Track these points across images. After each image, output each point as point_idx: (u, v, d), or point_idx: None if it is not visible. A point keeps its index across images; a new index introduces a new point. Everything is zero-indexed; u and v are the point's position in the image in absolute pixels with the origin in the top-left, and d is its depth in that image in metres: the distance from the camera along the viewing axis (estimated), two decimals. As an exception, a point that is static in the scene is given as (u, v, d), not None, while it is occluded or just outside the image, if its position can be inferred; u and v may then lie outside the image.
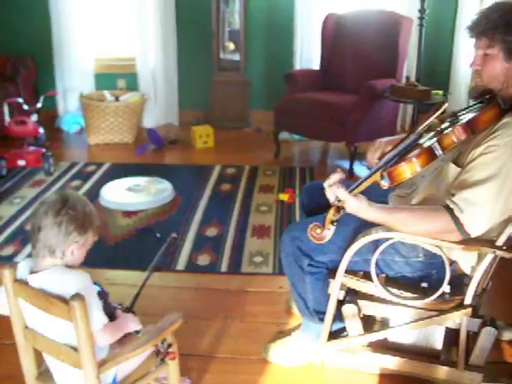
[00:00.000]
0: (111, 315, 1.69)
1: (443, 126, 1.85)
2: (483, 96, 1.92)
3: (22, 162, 4.53)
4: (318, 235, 1.85)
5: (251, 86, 5.76)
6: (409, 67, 5.21)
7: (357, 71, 4.87)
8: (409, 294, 2.03)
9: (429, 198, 1.99)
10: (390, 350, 2.18)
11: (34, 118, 4.55)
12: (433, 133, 1.85)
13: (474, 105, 1.95)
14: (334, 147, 5.28)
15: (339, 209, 1.82)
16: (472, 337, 2.05)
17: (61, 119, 5.85)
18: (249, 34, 5.67)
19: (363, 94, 4.43)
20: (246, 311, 2.73)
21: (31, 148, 4.62)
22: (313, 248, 2.05)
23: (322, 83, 5.06)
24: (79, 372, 1.55)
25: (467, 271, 1.98)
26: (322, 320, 2.18)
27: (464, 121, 1.80)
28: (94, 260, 2.85)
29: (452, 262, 1.96)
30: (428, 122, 1.87)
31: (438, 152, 1.76)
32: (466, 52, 5.18)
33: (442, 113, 1.90)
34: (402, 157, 1.79)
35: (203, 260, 3.20)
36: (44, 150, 4.60)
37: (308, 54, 5.59)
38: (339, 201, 1.80)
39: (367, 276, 2.02)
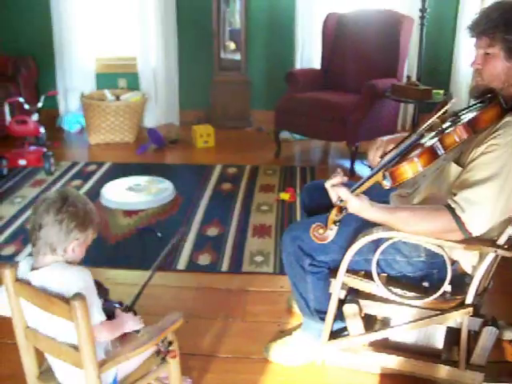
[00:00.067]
0: (111, 313, 1.69)
1: (445, 126, 1.85)
2: (484, 95, 1.92)
3: (22, 162, 4.54)
4: (320, 235, 1.85)
5: (252, 85, 5.76)
6: (410, 66, 5.21)
7: (358, 71, 4.87)
8: (410, 294, 2.03)
9: (430, 198, 1.99)
10: (391, 349, 2.18)
11: (35, 117, 4.55)
12: (434, 132, 1.85)
13: (475, 104, 1.95)
14: (335, 147, 5.28)
15: (341, 209, 1.81)
16: (473, 336, 2.05)
17: (62, 119, 5.85)
18: (250, 34, 5.67)
19: (364, 94, 4.43)
20: (246, 311, 2.73)
21: (32, 147, 4.62)
22: (314, 248, 2.05)
23: (322, 83, 5.06)
24: (81, 371, 1.56)
25: (468, 271, 1.98)
26: (323, 319, 2.18)
27: (465, 120, 1.80)
28: (95, 259, 2.87)
29: (453, 262, 1.96)
30: (430, 121, 1.86)
31: (440, 151, 1.77)
32: (466, 51, 5.18)
33: (444, 112, 1.90)
34: (403, 156, 1.79)
35: (204, 260, 3.20)
36: (45, 149, 4.61)
37: (309, 54, 5.59)
38: (341, 201, 1.79)
39: (368, 275, 2.02)
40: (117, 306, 1.75)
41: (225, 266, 3.13)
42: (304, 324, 2.34)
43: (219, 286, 2.95)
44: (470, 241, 1.83)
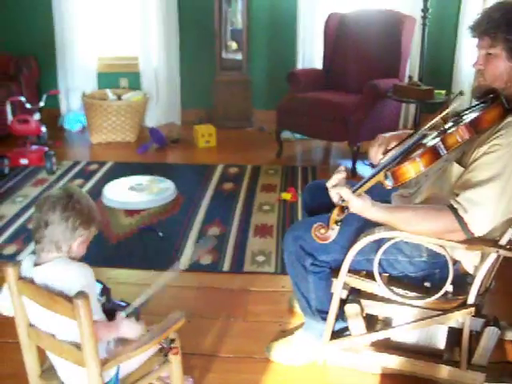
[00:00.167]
0: (113, 312, 1.69)
1: (447, 126, 1.85)
2: (486, 95, 1.92)
3: (24, 161, 4.54)
4: (322, 235, 1.85)
5: (253, 85, 5.76)
6: (411, 66, 5.20)
7: (359, 71, 4.86)
8: (412, 294, 2.03)
9: (432, 198, 1.98)
10: (393, 349, 2.18)
11: (37, 116, 4.56)
12: (436, 132, 1.84)
13: (478, 104, 1.95)
14: (336, 147, 5.28)
15: (343, 209, 1.81)
16: (475, 336, 2.05)
17: (63, 118, 5.85)
18: (251, 34, 5.67)
19: (366, 94, 4.43)
20: (248, 310, 2.73)
21: (34, 147, 4.63)
22: (316, 247, 2.05)
23: (324, 83, 5.06)
24: (83, 369, 1.56)
25: (470, 271, 1.98)
26: (324, 319, 2.18)
27: (467, 120, 1.80)
28: (96, 258, 2.87)
29: (455, 262, 1.96)
30: (433, 121, 1.86)
31: (442, 151, 1.76)
32: (468, 51, 5.18)
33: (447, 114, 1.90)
34: (405, 156, 1.79)
35: (205, 259, 3.20)
36: (46, 148, 4.62)
37: (310, 54, 5.59)
38: (343, 201, 1.79)
39: (370, 275, 2.02)
40: (122, 304, 1.75)
41: (226, 266, 3.13)
42: (306, 324, 2.34)
43: (221, 286, 2.95)
44: (472, 241, 1.83)
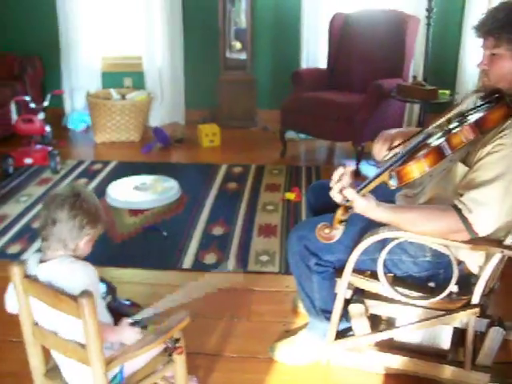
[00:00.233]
0: (119, 311, 1.69)
1: (451, 126, 1.85)
2: (491, 95, 1.91)
3: (28, 160, 4.55)
4: (326, 235, 1.85)
5: (258, 84, 5.76)
6: (416, 66, 5.19)
7: (363, 70, 4.86)
8: (416, 294, 2.03)
9: (436, 198, 1.98)
10: (397, 349, 2.18)
11: (41, 116, 4.56)
12: (441, 132, 1.84)
13: (482, 104, 1.94)
14: (340, 146, 5.28)
15: (347, 208, 1.81)
16: (479, 337, 2.04)
17: (67, 118, 5.86)
18: (255, 33, 5.67)
19: (370, 94, 4.42)
20: (252, 310, 2.73)
21: (38, 146, 4.64)
22: (320, 247, 2.05)
23: (328, 82, 5.06)
24: (87, 368, 1.56)
25: (475, 271, 1.97)
26: (328, 319, 2.18)
27: (472, 120, 1.80)
28: (100, 258, 2.88)
29: (459, 262, 1.96)
30: (440, 121, 1.86)
31: (447, 151, 1.76)
32: (473, 51, 5.17)
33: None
34: (410, 156, 1.79)
35: (210, 259, 3.20)
36: (51, 148, 4.62)
37: (315, 53, 5.58)
38: (347, 201, 1.79)
39: (374, 275, 2.02)
40: (127, 303, 1.76)
41: (230, 266, 3.13)
42: (310, 324, 2.34)
43: (225, 286, 2.95)
44: (476, 241, 1.83)
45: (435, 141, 1.80)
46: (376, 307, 2.11)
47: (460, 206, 1.78)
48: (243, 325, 2.62)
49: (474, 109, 1.93)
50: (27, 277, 1.60)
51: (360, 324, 2.12)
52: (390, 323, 2.22)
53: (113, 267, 3.09)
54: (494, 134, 1.80)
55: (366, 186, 1.80)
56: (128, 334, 1.66)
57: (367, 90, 4.44)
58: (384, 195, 1.99)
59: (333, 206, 1.85)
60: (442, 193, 1.96)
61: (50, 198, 1.66)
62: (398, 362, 2.16)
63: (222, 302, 2.79)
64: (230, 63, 5.79)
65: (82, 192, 1.67)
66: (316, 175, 4.53)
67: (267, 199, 4.04)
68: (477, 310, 1.95)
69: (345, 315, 2.16)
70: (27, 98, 4.63)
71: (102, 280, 1.70)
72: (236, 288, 2.92)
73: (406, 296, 2.01)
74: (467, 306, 1.97)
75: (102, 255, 3.09)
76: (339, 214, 1.82)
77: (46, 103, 4.62)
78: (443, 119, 1.88)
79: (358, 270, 2.06)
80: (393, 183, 1.75)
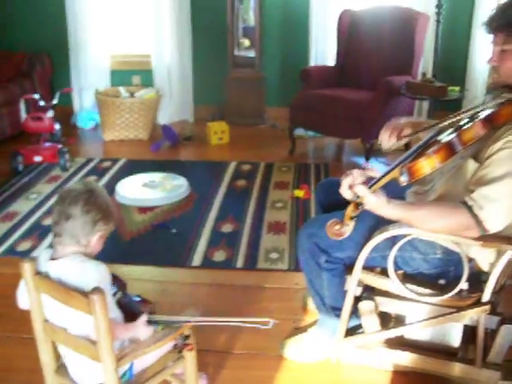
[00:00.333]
0: (130, 309, 1.70)
1: (462, 122, 1.84)
2: (502, 92, 1.90)
3: (38, 158, 4.56)
4: (337, 231, 1.84)
5: (266, 82, 5.76)
6: (425, 63, 5.18)
7: (372, 68, 4.85)
8: (426, 291, 2.02)
9: (446, 195, 1.97)
10: (407, 347, 2.17)
11: (50, 114, 4.57)
12: (452, 129, 1.83)
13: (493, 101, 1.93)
14: (349, 144, 5.27)
15: (358, 205, 1.81)
16: (490, 334, 2.03)
17: (76, 116, 5.88)
18: (264, 31, 5.67)
19: (380, 91, 4.41)
20: (262, 307, 2.73)
21: (47, 144, 4.65)
22: (330, 244, 2.05)
23: (337, 80, 5.05)
24: (95, 365, 1.56)
25: (485, 268, 1.96)
26: (338, 316, 2.18)
27: (483, 116, 1.79)
28: (110, 255, 2.87)
29: (470, 259, 1.95)
30: (453, 119, 1.86)
31: (458, 147, 1.75)
32: (482, 47, 5.15)
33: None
34: (420, 152, 1.78)
35: (219, 256, 3.20)
36: (60, 145, 4.63)
37: (323, 51, 5.58)
38: (358, 197, 1.79)
39: (384, 272, 2.02)
40: (138, 299, 1.76)
41: (240, 263, 3.13)
42: (319, 321, 2.34)
43: (234, 283, 2.96)
44: (487, 238, 1.82)
45: (446, 137, 1.79)
46: (386, 304, 2.11)
47: (470, 202, 1.77)
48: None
49: (484, 105, 1.92)
50: (38, 273, 1.60)
51: (370, 321, 2.12)
52: (400, 320, 2.21)
53: (122, 264, 3.09)
54: (505, 129, 1.79)
55: (376, 182, 1.79)
56: (143, 331, 1.67)
57: (376, 87, 4.43)
58: (394, 192, 1.98)
59: (342, 204, 1.85)
60: (453, 190, 1.95)
61: (64, 194, 1.66)
62: (407, 359, 2.15)
63: (232, 299, 2.80)
64: (239, 61, 5.79)
65: (95, 188, 1.68)
66: (325, 173, 4.52)
67: (276, 197, 4.04)
68: (487, 307, 1.94)
69: (355, 312, 2.15)
70: (36, 96, 4.65)
71: (113, 275, 1.71)
72: (246, 285, 2.92)
73: (416, 293, 2.01)
74: (477, 303, 1.96)
75: (112, 252, 3.08)
76: (350, 211, 1.82)
77: (55, 101, 4.63)
78: (454, 119, 1.87)
79: (368, 267, 2.06)
80: (404, 179, 1.74)
